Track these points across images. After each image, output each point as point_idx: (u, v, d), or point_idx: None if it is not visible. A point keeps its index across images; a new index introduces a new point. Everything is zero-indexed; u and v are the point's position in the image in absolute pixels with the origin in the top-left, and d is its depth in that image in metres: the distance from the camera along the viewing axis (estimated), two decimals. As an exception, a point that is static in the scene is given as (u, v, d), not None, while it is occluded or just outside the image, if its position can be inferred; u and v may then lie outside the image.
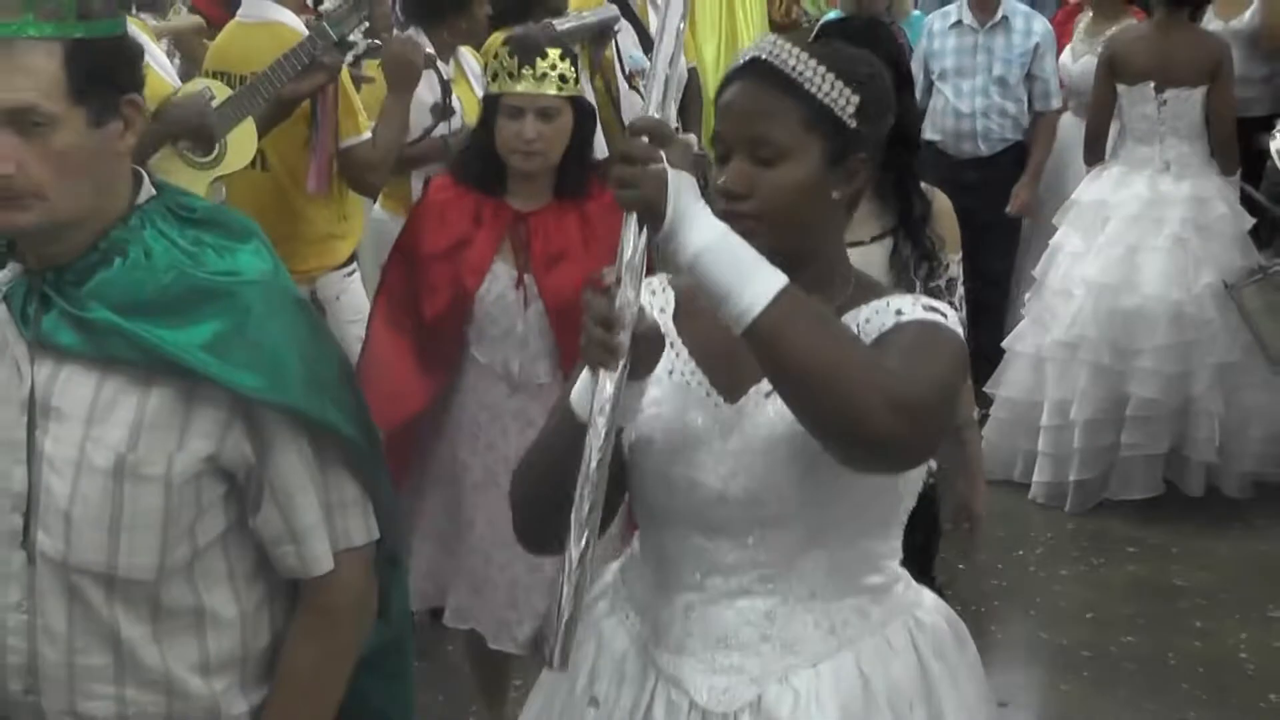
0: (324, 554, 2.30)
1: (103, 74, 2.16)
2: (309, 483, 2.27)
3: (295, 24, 4.50)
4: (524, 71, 3.75)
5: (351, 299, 4.66)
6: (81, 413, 2.18)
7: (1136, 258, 6.22)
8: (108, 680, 2.24)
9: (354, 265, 4.72)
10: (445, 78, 5.04)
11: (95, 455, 2.18)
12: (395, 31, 4.69)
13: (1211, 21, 7.25)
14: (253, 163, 4.27)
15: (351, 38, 4.29)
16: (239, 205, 4.40)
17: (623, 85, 5.98)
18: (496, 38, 5.51)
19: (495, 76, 3.80)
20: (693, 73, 6.61)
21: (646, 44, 6.13)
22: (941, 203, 3.52)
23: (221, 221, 2.30)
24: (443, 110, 4.99)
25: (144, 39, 3.92)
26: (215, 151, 4.06)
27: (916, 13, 7.75)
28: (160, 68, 4.25)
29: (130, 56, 2.25)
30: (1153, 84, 6.26)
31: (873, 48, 2.28)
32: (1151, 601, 5.48)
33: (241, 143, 4.10)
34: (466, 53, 5.26)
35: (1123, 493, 6.25)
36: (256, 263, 2.25)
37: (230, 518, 2.28)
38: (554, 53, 3.77)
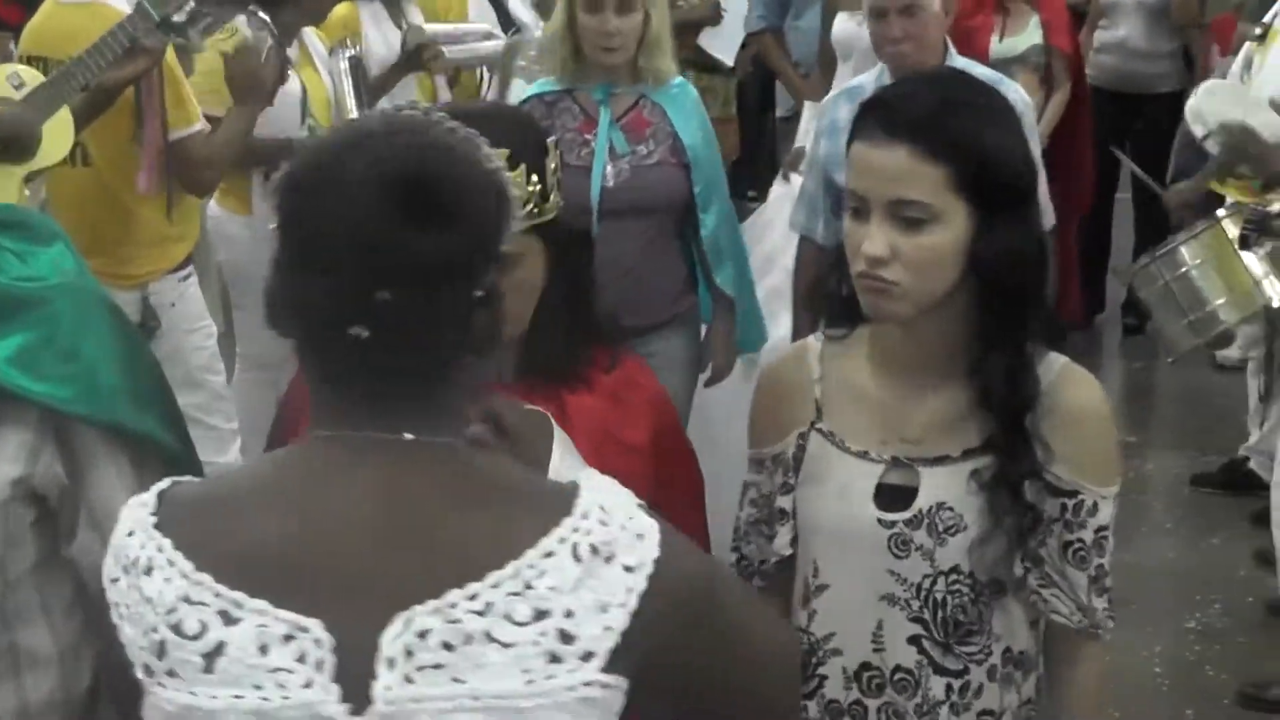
0: None
1: None
2: None
3: (119, 3, 4.41)
4: None
5: (188, 305, 4.62)
6: None
7: None
8: None
9: (190, 269, 4.67)
10: (289, 63, 4.96)
11: None
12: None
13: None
14: (72, 158, 4.22)
15: (176, 18, 4.22)
16: (60, 206, 4.38)
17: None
18: (341, 9, 5.47)
19: None
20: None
21: (506, 23, 6.22)
22: (1086, 398, 2.37)
23: (21, 223, 2.26)
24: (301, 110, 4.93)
25: None
26: None
27: (679, 79, 4.52)
28: None
29: None
30: None
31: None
32: (1057, 614, 5.51)
33: (56, 136, 4.03)
34: (311, 34, 5.22)
35: None
36: (61, 265, 2.21)
37: (42, 546, 2.21)
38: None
